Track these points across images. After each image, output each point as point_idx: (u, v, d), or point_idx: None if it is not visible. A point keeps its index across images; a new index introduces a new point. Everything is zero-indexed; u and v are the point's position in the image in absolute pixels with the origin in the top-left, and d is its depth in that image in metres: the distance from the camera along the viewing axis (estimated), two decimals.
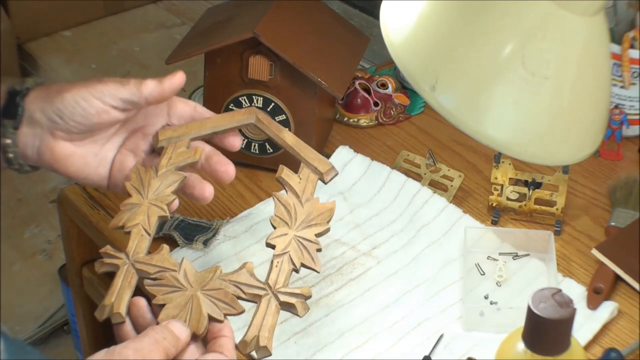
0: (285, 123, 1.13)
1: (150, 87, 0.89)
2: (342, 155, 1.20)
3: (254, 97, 1.13)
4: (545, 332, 0.74)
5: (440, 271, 1.05)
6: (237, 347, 0.80)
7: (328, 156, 1.18)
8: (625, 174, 1.17)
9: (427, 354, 0.95)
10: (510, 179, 1.12)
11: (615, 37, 1.21)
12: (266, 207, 1.13)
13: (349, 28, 1.25)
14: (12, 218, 2.17)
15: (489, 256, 1.06)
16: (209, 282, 0.82)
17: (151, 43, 2.48)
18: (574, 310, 0.74)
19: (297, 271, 0.84)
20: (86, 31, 2.52)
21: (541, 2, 0.78)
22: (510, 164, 1.11)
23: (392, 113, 1.30)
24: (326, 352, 0.96)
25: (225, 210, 1.14)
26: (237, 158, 1.12)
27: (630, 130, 1.25)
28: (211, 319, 0.80)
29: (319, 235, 0.86)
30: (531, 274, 1.04)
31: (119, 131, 0.93)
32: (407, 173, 1.17)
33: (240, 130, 1.15)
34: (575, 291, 1.01)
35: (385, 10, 0.88)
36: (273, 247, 0.85)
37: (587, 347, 0.96)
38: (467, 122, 0.82)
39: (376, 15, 1.14)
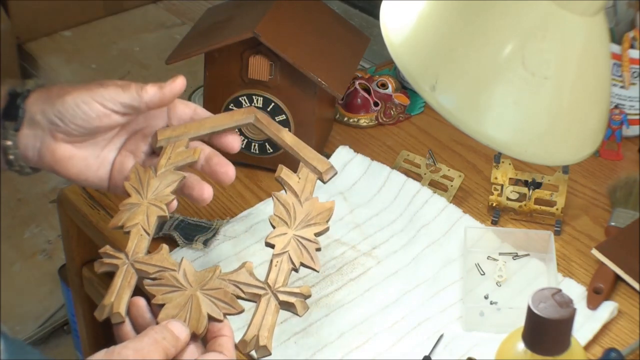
0: (285, 123, 1.13)
1: (150, 92, 0.88)
2: (342, 155, 1.20)
3: (254, 97, 1.13)
4: (545, 332, 0.74)
5: (440, 271, 1.05)
6: (236, 346, 0.80)
7: (328, 156, 1.18)
8: (625, 174, 1.17)
9: (427, 354, 0.95)
10: (510, 179, 1.12)
11: (615, 37, 1.21)
12: (266, 207, 1.13)
13: (349, 28, 1.25)
14: (12, 218, 2.17)
15: (489, 256, 1.06)
16: (208, 281, 0.82)
17: (151, 43, 2.48)
18: (574, 310, 0.74)
19: (296, 270, 0.84)
20: (86, 31, 2.52)
21: (541, 2, 0.78)
22: (510, 164, 1.11)
23: (392, 113, 1.30)
24: (326, 352, 0.96)
25: (225, 210, 1.14)
26: (237, 158, 1.12)
27: (630, 130, 1.25)
28: (211, 318, 0.80)
29: (318, 234, 0.86)
30: (531, 274, 1.04)
31: (119, 133, 0.93)
32: (407, 173, 1.17)
33: (240, 130, 1.15)
34: (575, 291, 1.01)
35: (385, 10, 0.88)
36: (272, 246, 0.85)
37: (587, 347, 0.96)
38: (467, 122, 0.81)
39: (376, 15, 1.14)
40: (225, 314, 0.80)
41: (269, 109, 1.13)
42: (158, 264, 0.83)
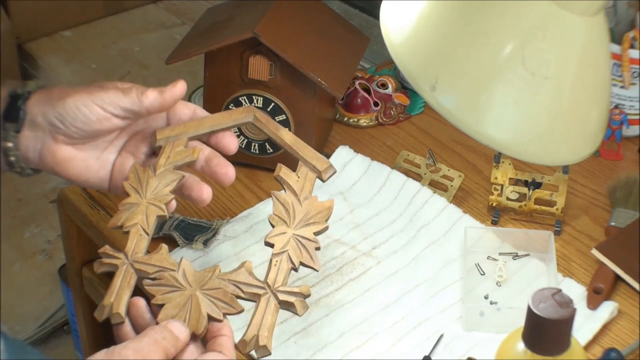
0: (285, 123, 1.13)
1: (151, 97, 0.88)
2: (342, 155, 1.20)
3: (254, 97, 1.13)
4: (545, 332, 0.74)
5: (440, 271, 1.05)
6: (236, 346, 0.80)
7: (328, 156, 1.18)
8: (625, 174, 1.17)
9: (427, 354, 0.95)
10: (510, 179, 1.12)
11: (615, 37, 1.21)
12: (266, 207, 1.13)
13: (349, 28, 1.25)
14: (12, 218, 2.17)
15: (489, 256, 1.06)
16: (208, 281, 0.82)
17: (151, 43, 2.48)
18: (574, 310, 0.74)
19: (295, 270, 0.84)
20: (86, 31, 2.52)
21: (541, 2, 0.78)
22: (510, 164, 1.11)
23: (392, 113, 1.30)
24: (326, 352, 0.96)
25: (225, 210, 1.14)
26: (237, 158, 1.12)
27: (630, 130, 1.25)
28: (210, 318, 0.80)
29: (317, 233, 0.86)
30: (531, 274, 1.04)
31: (119, 135, 0.93)
32: (407, 173, 1.17)
33: (240, 130, 1.16)
34: (575, 291, 1.01)
35: (385, 10, 0.88)
36: (272, 245, 0.85)
37: (587, 347, 0.96)
38: (467, 122, 0.81)
39: (376, 15, 1.14)
40: (224, 314, 0.80)
41: (269, 109, 1.13)
42: (157, 264, 0.83)
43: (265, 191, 1.16)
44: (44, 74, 2.37)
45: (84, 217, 1.14)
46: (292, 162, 0.91)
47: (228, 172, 0.91)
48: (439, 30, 0.82)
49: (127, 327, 0.80)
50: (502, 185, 1.12)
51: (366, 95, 1.30)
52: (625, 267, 1.03)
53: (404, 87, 1.34)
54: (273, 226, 0.86)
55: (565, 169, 1.10)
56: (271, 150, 1.17)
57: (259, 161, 1.18)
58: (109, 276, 0.84)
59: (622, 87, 1.22)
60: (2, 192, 2.18)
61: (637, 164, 1.21)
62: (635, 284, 1.02)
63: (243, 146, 1.17)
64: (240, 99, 1.14)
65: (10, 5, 2.35)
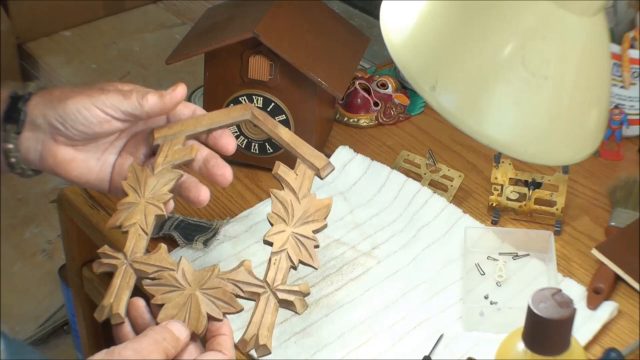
0: (285, 123, 1.13)
1: (151, 102, 0.88)
2: (342, 155, 1.20)
3: (254, 97, 1.13)
4: (545, 332, 0.74)
5: (440, 271, 1.05)
6: (236, 346, 0.80)
7: (328, 156, 1.18)
8: (625, 174, 1.17)
9: (427, 354, 0.95)
10: (510, 179, 1.12)
11: (615, 37, 1.21)
12: (266, 207, 1.13)
13: (349, 28, 1.25)
14: (12, 218, 2.17)
15: (489, 256, 1.06)
16: (207, 281, 0.82)
17: (151, 43, 2.48)
18: (574, 310, 0.74)
19: (295, 268, 0.84)
20: (86, 31, 2.52)
21: (541, 2, 0.78)
22: (510, 164, 1.11)
23: (392, 113, 1.30)
24: (326, 352, 0.95)
25: (225, 210, 1.14)
26: (237, 158, 1.12)
27: (630, 130, 1.25)
28: (210, 317, 0.80)
29: (316, 231, 0.86)
30: (531, 274, 1.04)
31: (120, 136, 0.93)
32: (407, 173, 1.17)
33: (240, 130, 1.15)
34: (575, 291, 1.01)
35: (385, 10, 0.88)
36: (271, 244, 0.85)
37: (587, 347, 0.96)
38: (467, 122, 0.81)
39: (376, 15, 1.14)
40: (224, 313, 0.80)
41: (269, 109, 1.13)
42: (157, 263, 0.83)
43: (265, 191, 1.16)
44: (44, 74, 2.37)
45: (84, 217, 1.14)
46: (292, 162, 0.91)
47: (225, 173, 0.91)
48: (439, 31, 0.82)
49: (127, 328, 0.80)
50: (502, 185, 1.12)
51: (366, 95, 1.30)
52: (625, 267, 1.03)
53: (404, 87, 1.34)
54: (272, 224, 0.86)
55: (565, 169, 1.10)
56: (271, 150, 1.17)
57: (259, 161, 1.18)
58: (109, 276, 0.83)
59: (622, 87, 1.22)
60: (2, 192, 2.18)
61: (637, 164, 1.21)
62: (635, 284, 1.02)
63: (243, 146, 1.17)
64: (240, 99, 1.14)
65: (10, 5, 2.35)
